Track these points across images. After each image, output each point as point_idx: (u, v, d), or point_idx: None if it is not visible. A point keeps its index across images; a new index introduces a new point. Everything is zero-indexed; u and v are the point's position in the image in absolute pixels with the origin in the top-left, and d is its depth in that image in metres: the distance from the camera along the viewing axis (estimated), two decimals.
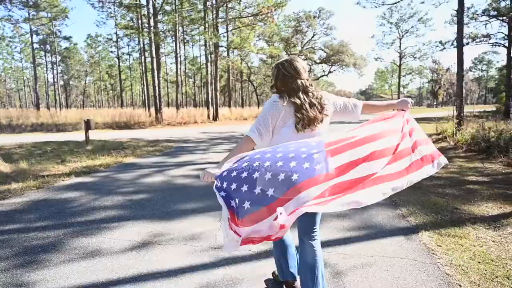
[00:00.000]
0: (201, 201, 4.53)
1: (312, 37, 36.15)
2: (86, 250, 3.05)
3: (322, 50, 35.74)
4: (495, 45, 26.73)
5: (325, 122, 1.99)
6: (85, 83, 51.41)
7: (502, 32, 26.25)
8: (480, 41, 26.19)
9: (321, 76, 43.09)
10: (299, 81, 1.94)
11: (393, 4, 15.89)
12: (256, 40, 33.36)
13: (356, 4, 16.59)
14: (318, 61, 38.34)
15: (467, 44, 26.46)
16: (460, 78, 13.02)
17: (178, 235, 3.39)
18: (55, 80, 35.71)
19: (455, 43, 28.48)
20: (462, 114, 12.02)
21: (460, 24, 12.88)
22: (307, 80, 1.99)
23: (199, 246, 3.11)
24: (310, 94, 1.94)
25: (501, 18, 23.95)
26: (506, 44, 25.29)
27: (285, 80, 1.95)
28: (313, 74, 41.55)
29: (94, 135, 13.91)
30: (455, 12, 12.34)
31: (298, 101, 1.88)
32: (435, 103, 71.92)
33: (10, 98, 70.11)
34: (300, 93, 1.92)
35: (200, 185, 5.42)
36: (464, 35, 27.41)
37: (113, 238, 3.31)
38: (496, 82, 62.60)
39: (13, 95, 68.90)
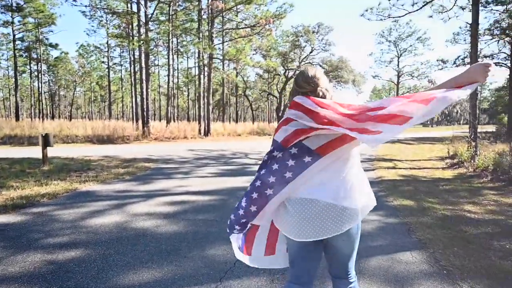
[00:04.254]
0: (160, 266, 2.99)
1: (311, 52, 35.09)
2: None
3: (320, 66, 34.72)
4: (497, 65, 25.93)
5: None
6: (74, 93, 49.75)
7: (504, 52, 25.68)
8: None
9: None
10: None
11: (399, 17, 14.85)
12: (253, 54, 32.31)
13: (360, 17, 15.50)
14: None
15: (469, 63, 25.69)
16: (474, 96, 11.90)
17: None
18: (40, 89, 34.02)
19: (457, 62, 27.93)
20: (477, 136, 10.80)
21: (474, 38, 11.78)
22: None
23: None
24: None
25: (505, 38, 23.21)
26: (509, 64, 24.60)
27: None
28: None
29: (64, 151, 12.33)
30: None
31: None
32: (428, 122, 71.84)
33: None
34: None
35: (166, 232, 3.87)
36: (466, 54, 26.80)
37: None
38: (490, 103, 62.53)
39: None
